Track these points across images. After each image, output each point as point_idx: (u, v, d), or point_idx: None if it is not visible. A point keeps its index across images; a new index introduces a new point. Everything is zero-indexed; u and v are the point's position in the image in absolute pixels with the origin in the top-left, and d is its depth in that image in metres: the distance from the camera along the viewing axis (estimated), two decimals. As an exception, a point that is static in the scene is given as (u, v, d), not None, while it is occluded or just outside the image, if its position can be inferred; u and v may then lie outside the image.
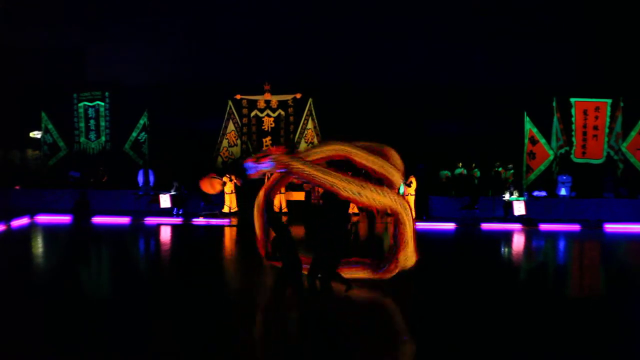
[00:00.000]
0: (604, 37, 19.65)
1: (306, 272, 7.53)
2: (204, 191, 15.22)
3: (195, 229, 15.14)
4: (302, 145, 18.69)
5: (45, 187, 18.59)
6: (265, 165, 7.78)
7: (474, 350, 6.21)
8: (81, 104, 20.01)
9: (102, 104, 19.94)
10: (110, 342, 6.32)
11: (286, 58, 20.63)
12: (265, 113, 19.00)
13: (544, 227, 15.58)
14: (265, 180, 9.92)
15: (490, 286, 9.10)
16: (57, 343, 6.34)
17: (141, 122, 19.66)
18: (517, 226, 15.65)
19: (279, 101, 18.95)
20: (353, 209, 15.58)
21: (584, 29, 19.77)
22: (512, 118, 18.53)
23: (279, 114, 18.93)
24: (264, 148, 18.83)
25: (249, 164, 7.90)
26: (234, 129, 18.96)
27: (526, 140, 18.53)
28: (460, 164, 18.45)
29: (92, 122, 19.98)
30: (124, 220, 15.84)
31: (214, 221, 15.86)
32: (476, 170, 18.29)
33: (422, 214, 16.48)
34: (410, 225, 8.08)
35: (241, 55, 20.55)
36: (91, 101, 20.01)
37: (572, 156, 18.43)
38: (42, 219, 15.97)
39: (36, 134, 20.81)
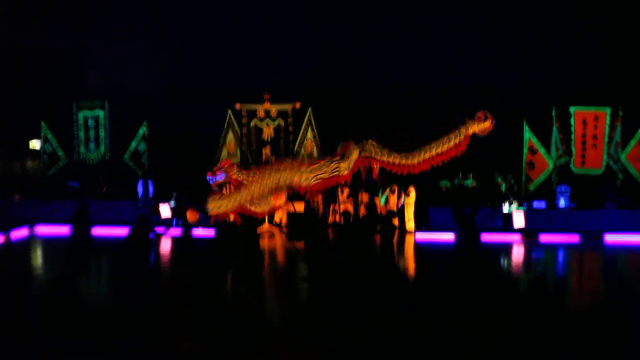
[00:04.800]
0: (603, 46, 19.72)
1: None
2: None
3: (195, 240, 15.11)
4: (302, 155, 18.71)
5: (45, 198, 18.55)
6: (219, 177, 9.02)
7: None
8: (80, 113, 19.93)
9: (102, 113, 19.90)
10: (109, 355, 6.31)
11: (285, 67, 20.70)
12: (264, 122, 19.02)
13: (543, 238, 15.55)
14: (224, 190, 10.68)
15: (490, 297, 9.08)
16: (56, 356, 6.33)
17: (140, 131, 19.64)
18: (516, 237, 15.63)
19: (278, 110, 18.97)
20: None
21: (583, 38, 19.85)
22: (511, 128, 18.51)
23: (279, 123, 18.96)
24: (263, 158, 18.85)
25: (209, 177, 9.16)
26: (233, 138, 18.97)
27: (525, 150, 18.52)
28: (460, 174, 18.42)
29: (91, 132, 19.89)
30: (124, 230, 15.81)
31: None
32: (471, 180, 18.22)
33: (421, 224, 16.49)
34: None
35: (241, 65, 20.63)
36: (91, 110, 19.99)
37: (571, 166, 18.39)
38: (42, 229, 15.95)
39: (36, 144, 20.82)
